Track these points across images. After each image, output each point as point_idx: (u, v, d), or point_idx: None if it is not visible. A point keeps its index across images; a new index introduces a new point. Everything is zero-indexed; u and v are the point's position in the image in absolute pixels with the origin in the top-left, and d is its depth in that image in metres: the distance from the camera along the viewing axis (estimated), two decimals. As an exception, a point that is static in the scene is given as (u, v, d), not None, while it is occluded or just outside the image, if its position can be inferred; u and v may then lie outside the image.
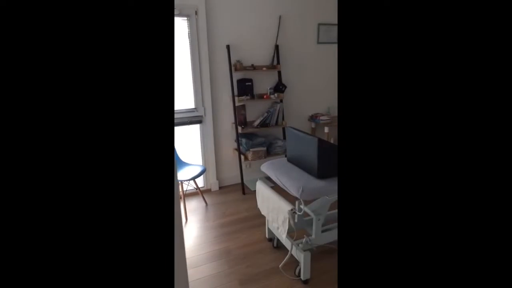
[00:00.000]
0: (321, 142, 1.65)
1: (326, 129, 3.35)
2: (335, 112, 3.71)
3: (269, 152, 3.17)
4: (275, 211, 1.87)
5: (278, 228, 1.86)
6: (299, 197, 1.63)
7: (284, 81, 3.28)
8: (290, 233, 2.07)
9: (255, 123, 3.10)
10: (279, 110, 3.17)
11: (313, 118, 3.46)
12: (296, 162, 1.92)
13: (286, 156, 2.09)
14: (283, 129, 3.33)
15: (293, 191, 1.67)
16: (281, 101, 3.21)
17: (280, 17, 3.11)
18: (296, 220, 2.04)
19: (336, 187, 1.68)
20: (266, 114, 3.11)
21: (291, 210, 1.71)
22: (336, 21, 3.41)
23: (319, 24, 3.33)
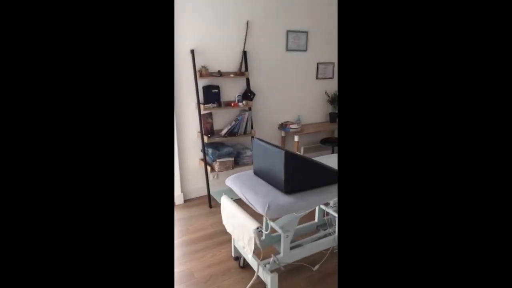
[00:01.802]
0: (288, 155, 1.54)
1: (296, 138, 3.28)
2: (305, 120, 3.65)
3: (238, 163, 3.03)
4: (240, 229, 1.73)
5: (244, 247, 1.72)
6: (264, 215, 1.50)
7: (252, 88, 3.17)
8: (256, 252, 1.93)
9: (222, 132, 2.95)
10: (247, 119, 3.05)
11: (283, 126, 3.38)
12: (263, 175, 1.80)
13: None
14: (252, 138, 3.21)
15: (259, 208, 1.54)
16: (250, 109, 3.09)
17: (247, 22, 3.01)
18: (263, 238, 1.91)
19: (304, 203, 1.57)
20: (234, 123, 2.98)
21: (257, 228, 1.57)
22: (304, 29, 3.38)
23: (288, 31, 3.27)
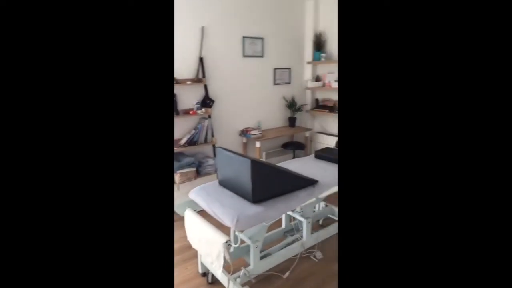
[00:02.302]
0: (255, 164, 1.50)
1: (257, 144, 3.26)
2: (265, 125, 3.66)
3: (200, 173, 2.92)
4: (207, 244, 1.64)
5: (212, 262, 1.63)
6: (234, 228, 1.44)
7: (211, 95, 3.09)
8: (226, 266, 1.85)
9: (181, 141, 2.82)
10: (207, 126, 2.96)
11: (244, 133, 3.34)
12: (229, 185, 1.74)
13: (217, 179, 1.89)
14: (213, 146, 3.13)
15: (227, 221, 1.48)
16: (209, 116, 3.01)
17: (203, 28, 2.94)
18: (231, 251, 1.84)
19: (273, 212, 1.54)
20: (193, 131, 2.87)
21: (226, 242, 1.50)
22: (260, 35, 3.40)
23: (244, 37, 3.26)
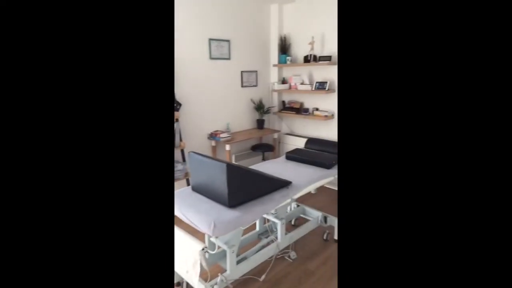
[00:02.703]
0: (230, 168, 1.48)
1: (227, 147, 3.23)
2: (233, 128, 3.64)
3: (168, 178, 2.82)
4: (181, 252, 1.59)
5: (187, 271, 1.58)
6: (211, 234, 1.41)
7: (178, 98, 3.01)
8: (202, 273, 1.81)
9: (148, 146, 2.70)
10: (175, 130, 2.88)
11: (212, 136, 3.30)
12: (203, 191, 1.70)
13: (189, 185, 1.84)
14: (182, 151, 3.04)
15: (203, 227, 1.44)
16: (177, 120, 2.92)
17: (168, 29, 2.85)
18: (207, 257, 1.80)
19: (250, 216, 1.53)
20: (160, 136, 2.76)
21: (203, 249, 1.46)
22: (226, 38, 3.38)
23: (210, 40, 3.22)
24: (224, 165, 1.48)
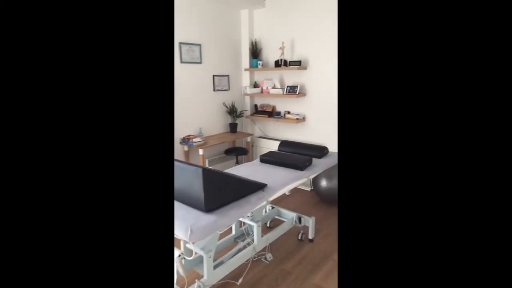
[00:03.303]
0: (206, 172, 1.48)
1: (200, 151, 3.20)
2: (207, 132, 3.62)
3: (139, 185, 2.73)
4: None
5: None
6: (188, 240, 1.39)
7: (148, 102, 2.94)
8: (178, 280, 1.78)
9: (117, 153, 2.61)
10: (146, 136, 2.80)
11: (185, 140, 3.25)
12: (178, 197, 1.67)
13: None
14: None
15: (180, 233, 1.42)
16: (148, 125, 2.85)
17: (137, 32, 2.78)
18: (183, 263, 1.77)
19: (227, 219, 1.53)
20: (131, 142, 2.68)
21: (179, 256, 1.44)
22: (197, 42, 3.36)
23: (181, 43, 3.19)
24: (200, 170, 1.47)
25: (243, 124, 4.11)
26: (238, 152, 3.54)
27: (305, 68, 3.49)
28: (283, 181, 2.01)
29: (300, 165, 2.19)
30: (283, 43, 3.53)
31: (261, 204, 1.80)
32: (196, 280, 1.65)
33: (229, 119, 3.87)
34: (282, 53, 3.52)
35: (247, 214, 1.71)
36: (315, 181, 3.12)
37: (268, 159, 2.36)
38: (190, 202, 1.60)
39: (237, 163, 3.71)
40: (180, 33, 3.18)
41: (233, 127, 3.78)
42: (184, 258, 1.47)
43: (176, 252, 1.47)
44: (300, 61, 3.44)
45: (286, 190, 2.03)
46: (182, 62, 3.23)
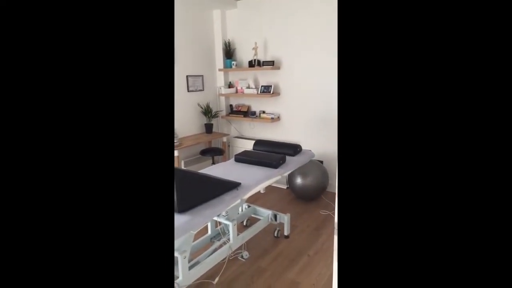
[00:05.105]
0: (178, 173, 1.48)
1: (175, 153, 3.17)
2: (182, 133, 3.59)
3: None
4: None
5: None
6: (160, 241, 1.39)
7: (120, 104, 2.87)
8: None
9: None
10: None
11: (159, 142, 3.20)
12: (150, 198, 1.66)
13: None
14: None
15: (152, 235, 1.41)
16: (119, 127, 2.79)
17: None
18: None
19: (200, 219, 1.54)
20: (101, 144, 2.61)
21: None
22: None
23: (153, 43, 3.14)
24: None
25: (219, 125, 4.11)
26: (214, 153, 3.54)
27: (278, 68, 3.55)
28: (257, 179, 2.04)
29: (274, 163, 2.24)
30: (256, 43, 3.57)
31: (235, 203, 1.82)
32: (171, 281, 1.64)
33: (204, 120, 3.86)
34: (256, 53, 3.56)
35: (221, 213, 1.72)
36: (290, 179, 3.18)
37: (243, 158, 2.39)
38: (162, 203, 1.59)
39: (214, 163, 3.71)
40: (152, 33, 3.13)
41: (208, 128, 3.78)
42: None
43: (149, 254, 1.46)
44: (273, 61, 3.50)
45: (260, 188, 2.07)
46: (154, 62, 3.18)
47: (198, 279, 1.93)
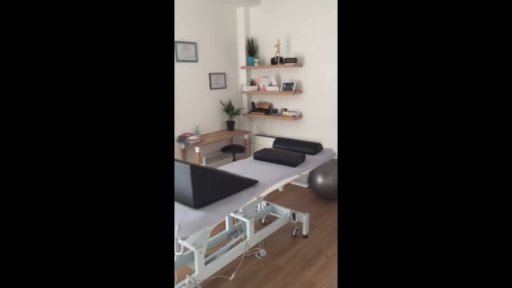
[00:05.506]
0: (194, 169, 1.50)
1: (197, 149, 3.23)
2: (203, 130, 3.64)
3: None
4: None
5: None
6: (176, 236, 1.42)
7: (144, 101, 2.96)
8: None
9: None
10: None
11: (181, 139, 3.28)
12: (168, 193, 1.69)
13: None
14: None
15: (168, 229, 1.44)
16: (144, 123, 2.88)
17: (131, 31, 2.81)
18: (175, 260, 1.80)
19: (215, 215, 1.55)
20: (126, 140, 2.71)
21: (169, 251, 1.47)
22: (192, 40, 3.38)
23: (176, 42, 3.21)
24: (188, 166, 1.49)
25: (241, 122, 4.13)
26: (235, 150, 3.56)
27: (301, 65, 3.50)
28: (275, 177, 2.03)
29: (293, 162, 2.21)
30: (278, 40, 3.53)
31: (251, 200, 1.82)
32: (187, 275, 1.68)
33: (226, 117, 3.89)
34: (278, 51, 3.53)
35: (236, 210, 1.73)
36: (311, 178, 3.13)
37: (262, 156, 2.38)
38: (179, 198, 1.62)
39: (234, 160, 3.73)
40: (175, 32, 3.19)
41: (230, 125, 3.80)
42: (174, 254, 1.49)
43: (166, 248, 1.49)
44: (295, 58, 3.45)
45: (278, 186, 2.05)
46: (177, 61, 3.25)
47: (214, 275, 1.95)
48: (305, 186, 3.57)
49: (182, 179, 1.54)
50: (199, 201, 1.55)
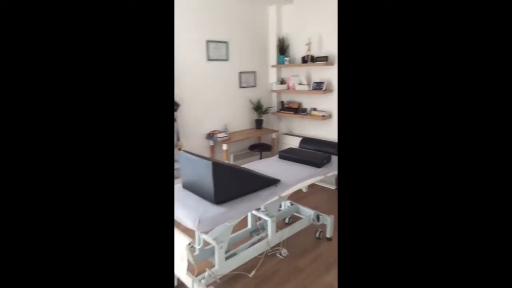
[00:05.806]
0: (216, 166, 1.53)
1: (224, 147, 3.29)
2: (232, 128, 3.70)
3: (165, 177, 2.88)
4: (171, 248, 1.64)
5: (177, 266, 1.63)
6: (196, 230, 1.46)
7: (176, 99, 3.08)
8: (190, 268, 1.86)
9: (146, 146, 2.77)
10: (174, 130, 2.94)
11: (210, 136, 3.35)
12: (192, 188, 1.75)
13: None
14: (179, 150, 3.10)
15: (189, 223, 1.49)
16: (175, 120, 2.99)
17: (166, 31, 2.92)
18: (196, 253, 1.85)
19: (235, 212, 1.57)
20: (158, 136, 2.83)
21: (189, 244, 1.52)
22: (223, 39, 3.44)
23: (208, 41, 3.28)
24: (210, 163, 1.52)
25: (269, 121, 4.13)
26: (262, 148, 3.57)
27: (332, 64, 3.42)
28: (298, 177, 2.01)
29: (318, 162, 2.17)
30: (309, 39, 3.48)
31: (272, 199, 1.82)
32: (207, 269, 1.72)
33: (255, 116, 3.92)
34: (309, 49, 3.47)
35: (256, 208, 1.74)
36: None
37: (286, 155, 2.36)
38: (201, 194, 1.67)
39: (261, 159, 3.75)
40: (207, 32, 3.27)
41: (258, 124, 3.82)
42: (193, 247, 1.53)
43: (187, 241, 1.54)
44: (327, 57, 3.37)
45: (301, 186, 2.03)
46: (209, 60, 3.33)
47: (234, 270, 1.97)
48: (333, 188, 3.48)
49: (204, 175, 1.59)
50: (220, 197, 1.58)
